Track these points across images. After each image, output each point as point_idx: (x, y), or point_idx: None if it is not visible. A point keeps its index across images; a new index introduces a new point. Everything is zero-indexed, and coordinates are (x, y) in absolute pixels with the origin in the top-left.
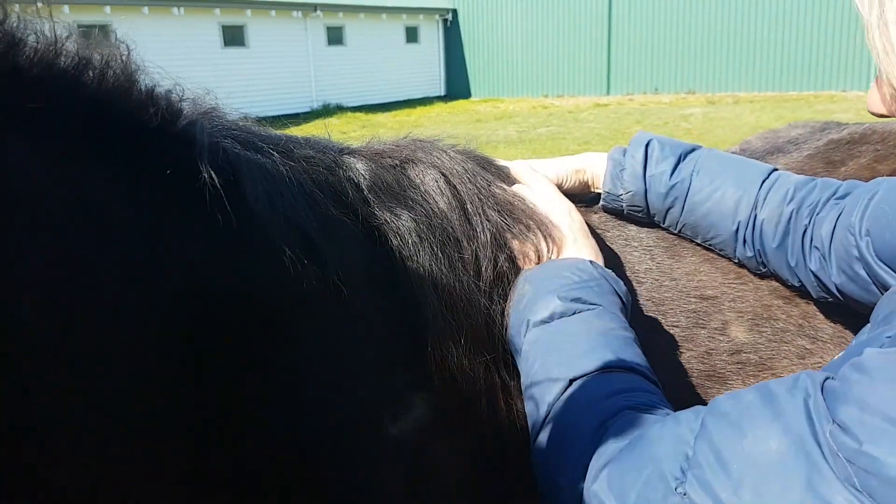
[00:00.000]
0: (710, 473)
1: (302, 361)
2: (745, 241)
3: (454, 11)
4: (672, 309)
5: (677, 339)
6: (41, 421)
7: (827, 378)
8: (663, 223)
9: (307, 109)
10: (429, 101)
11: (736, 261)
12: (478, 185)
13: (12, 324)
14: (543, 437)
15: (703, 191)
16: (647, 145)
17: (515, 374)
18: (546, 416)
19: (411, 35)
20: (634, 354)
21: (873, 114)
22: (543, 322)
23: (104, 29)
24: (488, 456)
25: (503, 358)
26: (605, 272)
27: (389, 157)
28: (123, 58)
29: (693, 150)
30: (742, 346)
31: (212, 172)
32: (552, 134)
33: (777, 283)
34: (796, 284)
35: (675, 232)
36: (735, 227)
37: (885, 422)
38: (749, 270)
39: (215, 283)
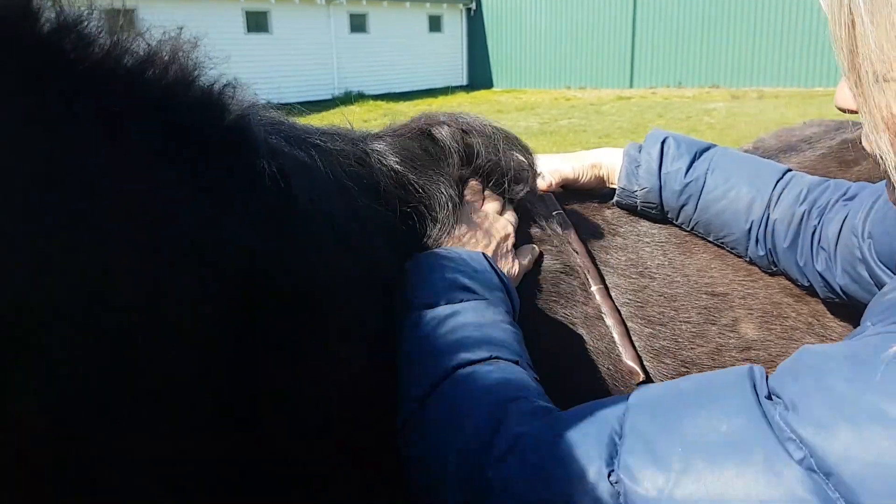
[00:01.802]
0: (645, 459)
1: (335, 351)
2: (757, 240)
3: (478, 1)
4: (683, 305)
5: (688, 334)
6: (98, 404)
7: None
8: (676, 220)
9: (329, 97)
10: (451, 91)
11: (747, 259)
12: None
13: (70, 313)
14: (424, 416)
15: (717, 189)
16: (662, 142)
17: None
18: (426, 396)
19: (434, 24)
20: (520, 346)
21: (841, 109)
22: (426, 306)
23: (129, 13)
24: None
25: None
26: (499, 269)
27: (411, 129)
28: (187, 54)
29: (708, 148)
30: (752, 342)
31: (270, 164)
32: (573, 126)
33: (787, 281)
34: (805, 284)
35: (688, 230)
36: (748, 226)
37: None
38: (760, 269)
39: (264, 274)
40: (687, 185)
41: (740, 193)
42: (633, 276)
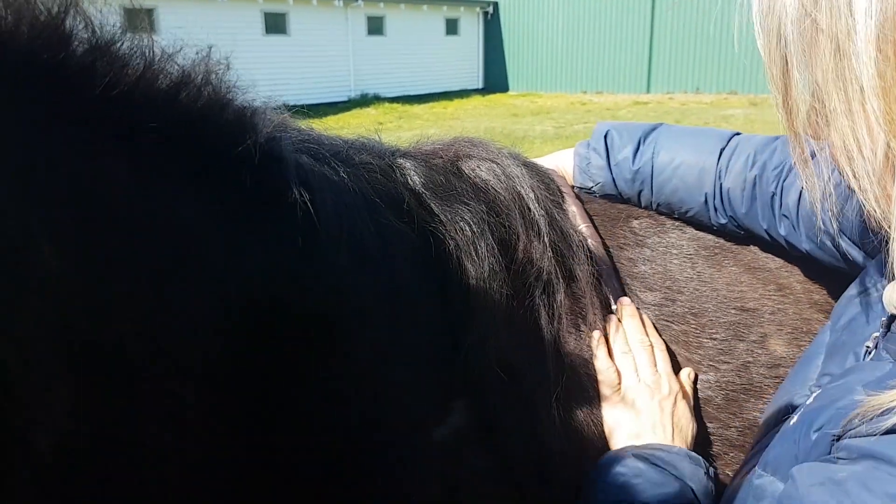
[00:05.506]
0: None
1: (356, 369)
2: (716, 209)
3: (495, 4)
4: (711, 320)
5: (716, 350)
6: (112, 427)
7: None
8: (640, 206)
9: (345, 98)
10: (466, 94)
11: (715, 227)
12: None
13: (93, 332)
14: None
15: (666, 170)
16: (606, 135)
17: (558, 381)
18: None
19: (451, 27)
20: None
21: None
22: None
23: (150, 13)
24: (529, 464)
25: (545, 363)
26: (665, 458)
27: (441, 157)
28: (219, 76)
29: (653, 129)
30: (780, 360)
31: (301, 191)
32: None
33: (818, 297)
34: (774, 245)
35: (654, 210)
36: (703, 199)
37: None
38: (725, 239)
39: (288, 295)
40: (637, 171)
41: (688, 169)
42: (661, 290)
